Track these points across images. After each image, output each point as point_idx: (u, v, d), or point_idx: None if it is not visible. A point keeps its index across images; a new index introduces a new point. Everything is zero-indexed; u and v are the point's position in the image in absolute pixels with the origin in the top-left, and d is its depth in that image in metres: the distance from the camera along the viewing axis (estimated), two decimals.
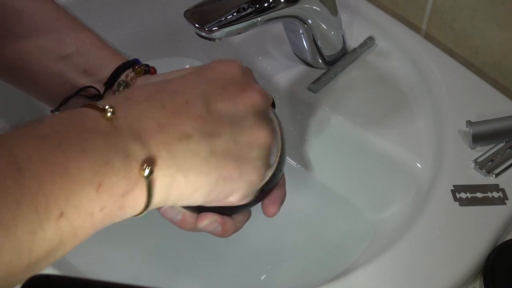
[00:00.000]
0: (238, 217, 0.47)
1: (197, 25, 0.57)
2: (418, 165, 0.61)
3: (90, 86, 0.51)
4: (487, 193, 0.57)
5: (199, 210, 0.45)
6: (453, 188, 0.57)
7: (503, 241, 0.55)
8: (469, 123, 0.60)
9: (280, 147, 0.45)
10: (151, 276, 0.64)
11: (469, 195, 0.57)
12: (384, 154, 0.63)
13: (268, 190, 0.46)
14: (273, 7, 0.60)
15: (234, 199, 0.42)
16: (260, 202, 0.48)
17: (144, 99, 0.38)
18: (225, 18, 0.57)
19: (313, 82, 0.67)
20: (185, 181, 0.38)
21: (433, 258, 0.53)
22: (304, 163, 0.70)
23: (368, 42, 0.70)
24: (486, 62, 0.69)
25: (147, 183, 0.36)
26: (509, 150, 0.59)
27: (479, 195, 0.57)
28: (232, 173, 0.40)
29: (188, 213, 0.46)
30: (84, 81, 0.51)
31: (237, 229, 0.47)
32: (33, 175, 0.32)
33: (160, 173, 0.37)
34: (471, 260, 0.53)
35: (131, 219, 0.47)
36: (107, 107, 0.36)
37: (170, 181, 0.38)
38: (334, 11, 0.65)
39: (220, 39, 0.58)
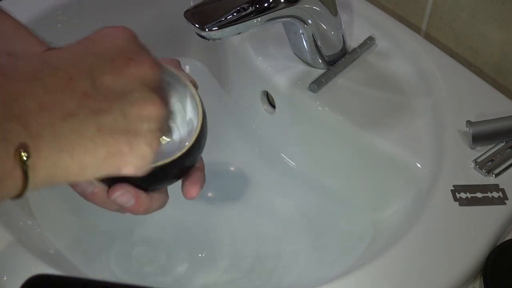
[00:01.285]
0: (155, 194, 0.45)
1: (197, 25, 0.57)
2: (418, 165, 0.61)
3: None
4: (487, 193, 0.57)
5: (113, 182, 0.44)
6: (453, 188, 0.57)
7: (503, 241, 0.55)
8: (469, 123, 0.60)
9: (199, 124, 0.45)
10: (149, 275, 0.64)
11: (469, 195, 0.57)
12: (384, 154, 0.63)
13: (187, 166, 0.46)
14: (273, 7, 0.60)
15: (127, 172, 0.40)
16: (180, 182, 0.46)
17: (24, 78, 0.36)
18: (225, 18, 0.57)
19: (313, 82, 0.67)
20: (71, 161, 0.37)
21: (433, 258, 0.53)
22: (304, 163, 0.70)
23: (368, 42, 0.70)
24: (486, 62, 0.69)
25: (23, 166, 0.35)
26: (509, 150, 0.60)
27: (479, 195, 0.57)
28: (122, 149, 0.39)
29: (101, 186, 0.44)
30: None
31: (151, 207, 0.45)
32: None
33: (42, 154, 0.35)
34: (471, 260, 0.53)
35: (132, 217, 0.47)
36: None
37: (54, 161, 0.36)
38: (334, 11, 0.65)
39: (220, 39, 0.58)
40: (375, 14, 0.72)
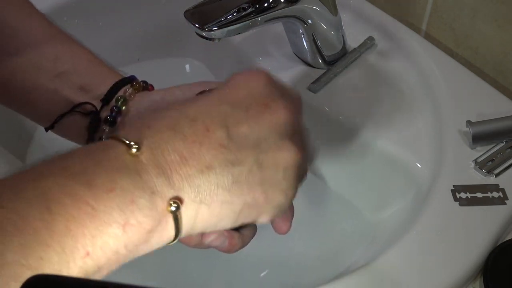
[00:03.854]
0: (245, 231, 0.46)
1: (197, 25, 0.57)
2: (418, 165, 0.61)
3: (86, 102, 0.50)
4: (487, 193, 0.57)
5: None
6: (453, 188, 0.57)
7: (503, 241, 0.55)
8: (469, 123, 0.60)
9: None
10: (149, 277, 0.64)
11: (469, 195, 0.56)
12: (384, 154, 0.63)
13: None
14: (273, 7, 0.60)
15: (262, 220, 0.41)
16: None
17: (165, 128, 0.38)
18: (225, 18, 0.57)
19: (313, 82, 0.67)
20: (209, 212, 0.38)
21: (433, 258, 0.53)
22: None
23: (368, 42, 0.70)
24: (486, 62, 0.69)
25: (175, 218, 0.37)
26: (509, 150, 0.59)
27: (479, 195, 0.56)
28: (257, 199, 0.39)
29: None
30: (80, 98, 0.51)
31: (244, 244, 0.46)
32: (63, 216, 0.32)
33: (184, 207, 0.37)
34: (471, 260, 0.53)
35: None
36: (132, 143, 0.36)
37: (195, 213, 0.38)
38: (334, 11, 0.65)
39: (220, 39, 0.58)
40: (375, 14, 0.72)
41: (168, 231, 0.37)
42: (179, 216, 0.37)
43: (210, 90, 0.42)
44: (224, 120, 0.38)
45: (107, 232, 0.34)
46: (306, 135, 0.44)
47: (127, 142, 0.36)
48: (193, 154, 0.37)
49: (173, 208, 0.36)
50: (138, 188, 0.35)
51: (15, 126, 0.70)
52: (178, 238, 0.38)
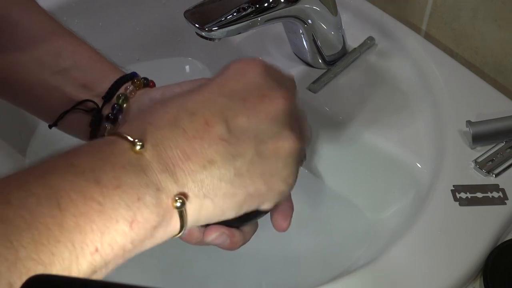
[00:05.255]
0: (246, 228, 0.46)
1: (197, 25, 0.57)
2: (418, 165, 0.61)
3: (88, 100, 0.51)
4: (487, 193, 0.57)
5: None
6: (453, 188, 0.57)
7: (503, 241, 0.55)
8: (469, 123, 0.60)
9: None
10: (149, 277, 0.64)
11: (469, 195, 0.56)
12: (384, 154, 0.63)
13: None
14: (273, 7, 0.60)
15: (265, 207, 0.42)
16: (269, 214, 0.47)
17: (166, 125, 0.38)
18: (225, 18, 0.57)
19: (313, 82, 0.67)
20: (213, 205, 0.39)
21: (433, 258, 0.53)
22: (304, 163, 0.70)
23: (368, 42, 0.70)
24: (486, 62, 0.69)
25: (180, 213, 0.37)
26: (509, 150, 0.59)
27: (479, 195, 0.56)
28: (259, 189, 0.40)
29: (194, 226, 0.45)
30: (82, 95, 0.51)
31: (245, 241, 0.47)
32: (72, 213, 0.33)
33: (188, 202, 0.37)
34: (471, 260, 0.53)
35: None
36: (136, 140, 0.37)
37: (199, 207, 0.38)
38: (334, 11, 0.65)
39: (220, 39, 0.58)
40: (375, 14, 0.72)
41: (173, 226, 0.38)
42: (184, 212, 0.37)
43: (207, 81, 0.42)
44: (222, 113, 0.39)
45: (115, 229, 0.34)
46: (303, 118, 0.44)
47: (131, 139, 0.37)
48: (195, 150, 0.38)
49: (178, 204, 0.37)
50: (143, 185, 0.36)
51: (16, 120, 0.70)
52: (183, 232, 0.39)
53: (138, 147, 0.36)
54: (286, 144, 0.40)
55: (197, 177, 0.37)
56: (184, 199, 0.37)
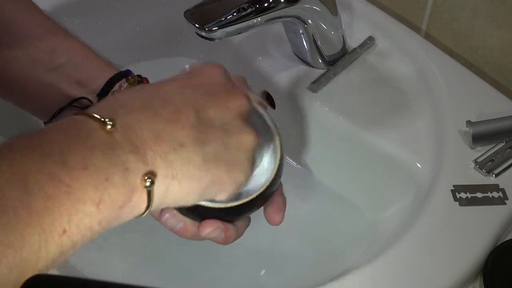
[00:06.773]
0: (239, 223, 0.47)
1: (197, 25, 0.57)
2: (418, 165, 0.61)
3: (83, 97, 0.51)
4: (487, 193, 0.57)
5: (200, 218, 0.45)
6: (453, 188, 0.57)
7: (503, 241, 0.55)
8: (469, 123, 0.60)
9: (279, 152, 0.46)
10: (148, 277, 0.64)
11: (469, 195, 0.57)
12: (384, 154, 0.63)
13: (269, 195, 0.47)
14: (273, 7, 0.60)
15: (221, 198, 0.43)
16: (262, 209, 0.48)
17: (139, 108, 0.39)
18: (225, 18, 0.57)
19: (313, 82, 0.67)
20: (179, 187, 0.40)
21: (433, 258, 0.53)
22: (304, 163, 0.70)
23: (368, 42, 0.70)
24: (486, 62, 0.69)
25: (148, 193, 0.38)
26: (509, 150, 0.59)
27: (479, 195, 0.57)
28: (222, 176, 0.42)
29: (189, 221, 0.46)
30: (76, 92, 0.51)
31: (238, 235, 0.48)
32: (40, 195, 0.33)
33: (156, 181, 0.38)
34: (471, 260, 0.53)
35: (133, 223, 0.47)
36: (107, 120, 0.37)
37: (166, 188, 0.39)
38: (334, 11, 0.65)
39: (220, 39, 0.58)
40: (375, 14, 0.72)
41: (139, 206, 0.38)
42: (152, 191, 0.38)
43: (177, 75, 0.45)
44: (193, 103, 0.41)
45: (83, 210, 0.35)
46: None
47: (102, 119, 0.37)
48: (167, 132, 0.39)
49: (147, 184, 0.37)
50: (112, 165, 0.36)
51: (16, 120, 0.70)
52: (147, 212, 0.39)
53: (108, 127, 0.37)
54: (249, 138, 0.43)
55: (167, 158, 0.38)
56: (153, 178, 0.37)
